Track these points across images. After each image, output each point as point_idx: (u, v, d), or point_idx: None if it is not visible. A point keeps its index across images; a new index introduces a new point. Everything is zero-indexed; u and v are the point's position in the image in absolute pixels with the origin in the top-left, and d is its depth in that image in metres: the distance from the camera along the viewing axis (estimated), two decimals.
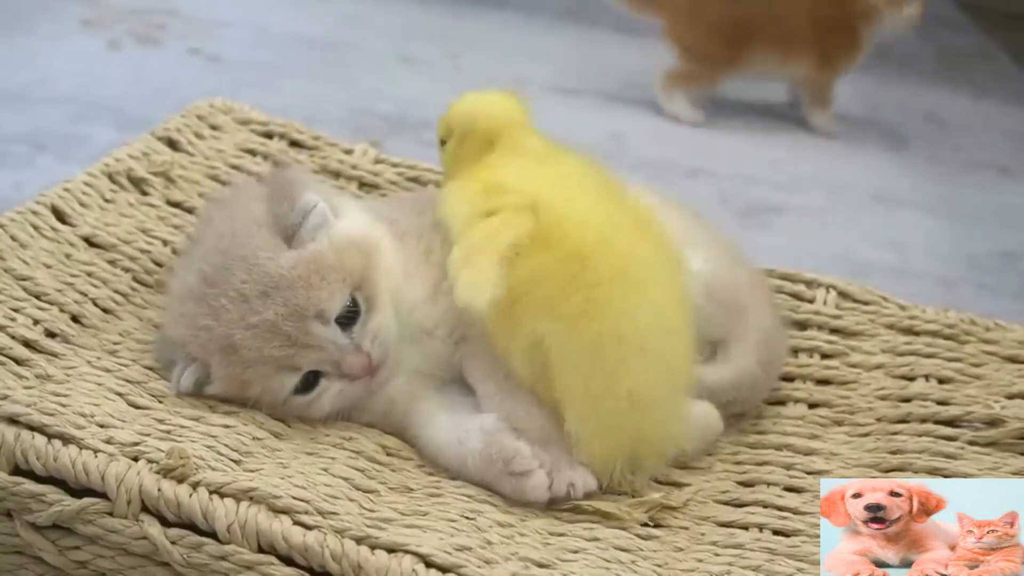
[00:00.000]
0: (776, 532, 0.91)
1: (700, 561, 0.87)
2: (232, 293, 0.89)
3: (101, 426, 0.84)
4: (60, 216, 1.07)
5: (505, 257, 0.89)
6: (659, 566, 0.86)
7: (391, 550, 0.78)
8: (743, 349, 1.04)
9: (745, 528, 0.92)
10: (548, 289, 0.89)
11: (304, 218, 0.92)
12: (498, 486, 0.89)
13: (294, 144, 1.29)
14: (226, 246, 0.91)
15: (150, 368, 0.95)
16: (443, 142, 1.03)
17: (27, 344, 0.92)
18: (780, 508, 0.94)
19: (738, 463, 1.01)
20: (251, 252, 0.90)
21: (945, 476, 0.97)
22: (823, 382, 1.11)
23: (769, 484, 0.98)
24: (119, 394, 0.90)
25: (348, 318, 0.91)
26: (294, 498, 0.80)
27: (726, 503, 0.95)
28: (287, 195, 0.93)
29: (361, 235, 0.95)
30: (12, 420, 0.82)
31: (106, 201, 1.11)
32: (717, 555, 0.88)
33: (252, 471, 0.84)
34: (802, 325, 1.15)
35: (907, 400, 1.07)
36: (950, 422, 1.03)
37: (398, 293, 0.95)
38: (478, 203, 0.94)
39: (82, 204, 1.09)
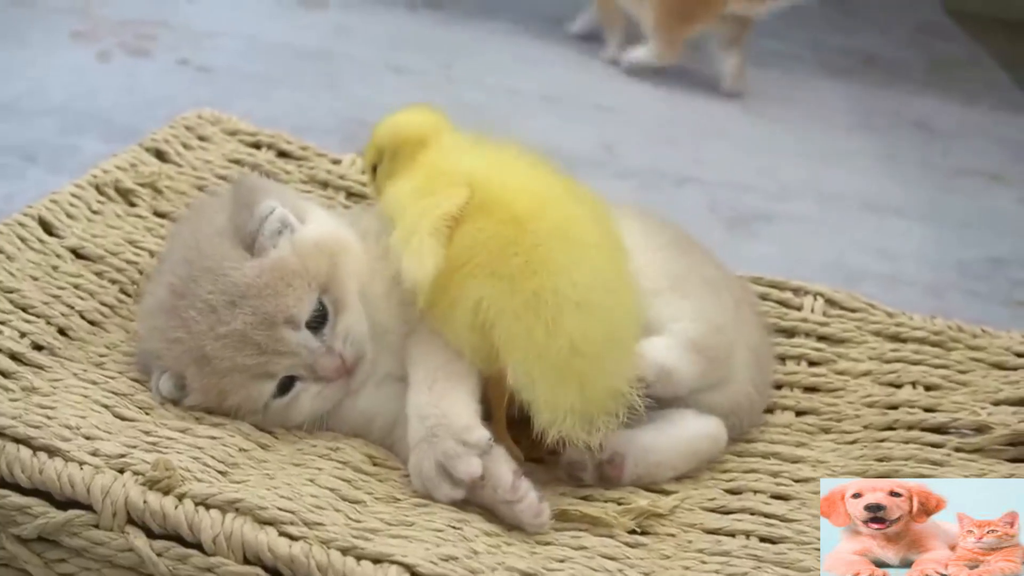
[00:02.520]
0: (763, 539, 0.92)
1: (687, 569, 0.87)
2: (200, 304, 0.90)
3: (87, 438, 0.84)
4: (47, 228, 1.07)
5: (440, 229, 0.90)
6: (646, 574, 0.86)
7: (377, 560, 0.78)
8: (737, 372, 1.04)
9: (732, 535, 0.92)
10: (488, 253, 0.90)
11: (262, 224, 0.92)
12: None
13: (282, 154, 1.30)
14: (192, 257, 0.92)
15: (137, 380, 0.95)
16: (374, 168, 1.03)
17: (13, 357, 0.92)
18: (767, 515, 0.94)
19: (725, 471, 1.01)
20: (216, 263, 0.91)
21: None
22: (810, 389, 1.11)
23: (756, 491, 0.98)
24: (105, 406, 0.90)
25: (318, 321, 0.92)
26: (280, 509, 0.80)
27: (713, 510, 0.96)
28: (247, 203, 0.94)
29: (325, 238, 0.95)
30: None
31: (93, 212, 1.12)
32: (704, 563, 0.88)
33: (238, 482, 0.84)
34: (789, 333, 1.16)
35: (894, 407, 1.07)
36: (937, 429, 1.04)
37: (365, 292, 0.95)
38: (418, 188, 0.95)
39: (69, 215, 1.09)
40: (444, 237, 0.91)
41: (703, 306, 1.02)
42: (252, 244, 0.92)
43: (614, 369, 0.89)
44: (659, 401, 0.96)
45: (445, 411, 0.89)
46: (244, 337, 0.89)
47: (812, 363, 1.13)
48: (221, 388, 0.90)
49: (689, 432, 1.00)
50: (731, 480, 0.99)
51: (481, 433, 0.88)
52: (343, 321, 0.93)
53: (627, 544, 0.90)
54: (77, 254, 1.06)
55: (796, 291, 1.19)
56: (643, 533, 0.92)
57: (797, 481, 0.99)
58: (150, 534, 0.79)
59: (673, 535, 0.92)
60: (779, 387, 1.11)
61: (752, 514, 0.95)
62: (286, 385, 0.92)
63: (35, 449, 0.81)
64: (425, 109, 1.04)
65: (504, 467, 0.89)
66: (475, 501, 0.89)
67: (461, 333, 0.91)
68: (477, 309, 0.89)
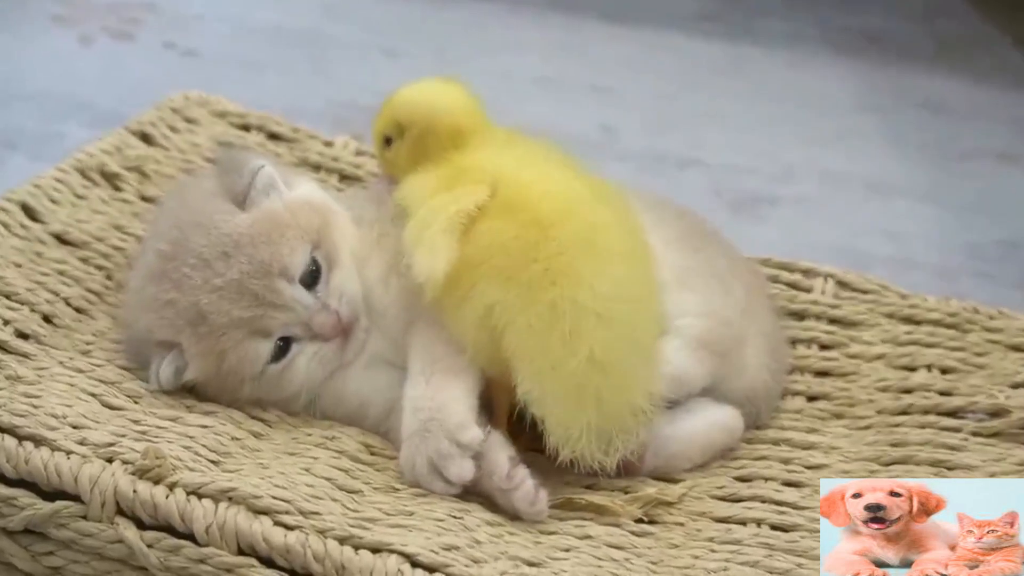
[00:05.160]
0: (774, 527, 0.91)
1: (696, 558, 0.87)
2: (192, 260, 0.90)
3: (74, 427, 0.83)
4: (30, 213, 1.06)
5: (455, 226, 0.89)
6: (654, 563, 0.86)
7: (376, 550, 0.77)
8: (750, 360, 1.03)
9: (743, 524, 0.92)
10: (507, 256, 0.88)
11: (252, 179, 0.94)
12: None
13: (272, 136, 1.29)
14: (181, 218, 0.93)
15: (125, 368, 0.94)
16: (387, 140, 1.00)
17: None
18: (778, 503, 0.94)
19: (735, 458, 1.00)
20: (206, 218, 0.92)
21: (948, 468, 0.97)
22: (822, 374, 1.11)
23: (767, 479, 0.98)
24: (93, 395, 0.89)
25: (311, 278, 0.93)
26: (275, 498, 0.79)
27: (722, 498, 0.95)
28: (235, 166, 0.95)
29: (315, 198, 0.97)
30: None
31: (78, 197, 1.11)
32: (714, 551, 0.88)
33: (231, 472, 0.83)
34: (800, 315, 1.15)
35: (908, 391, 1.07)
36: (953, 413, 1.04)
37: (361, 274, 0.96)
38: (439, 183, 0.93)
39: (53, 200, 1.08)
40: (458, 234, 0.89)
41: (709, 299, 1.01)
42: (243, 201, 0.93)
43: (635, 383, 0.88)
44: (672, 402, 0.96)
45: (440, 406, 0.89)
46: (240, 287, 0.89)
47: (823, 347, 1.13)
48: (219, 348, 0.90)
49: (707, 423, 1.00)
50: (741, 468, 0.99)
51: (475, 433, 0.87)
52: (336, 277, 0.93)
53: (634, 533, 0.89)
54: (61, 240, 1.06)
55: (806, 273, 1.18)
56: (650, 522, 0.91)
57: (809, 468, 0.99)
58: (140, 525, 0.79)
59: (682, 524, 0.92)
60: (789, 372, 1.10)
61: (763, 502, 0.94)
62: (282, 349, 0.92)
63: (20, 439, 0.81)
64: (460, 92, 1.00)
65: (501, 454, 0.88)
66: (471, 489, 0.88)
67: (468, 331, 0.90)
68: (489, 314, 0.88)
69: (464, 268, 0.89)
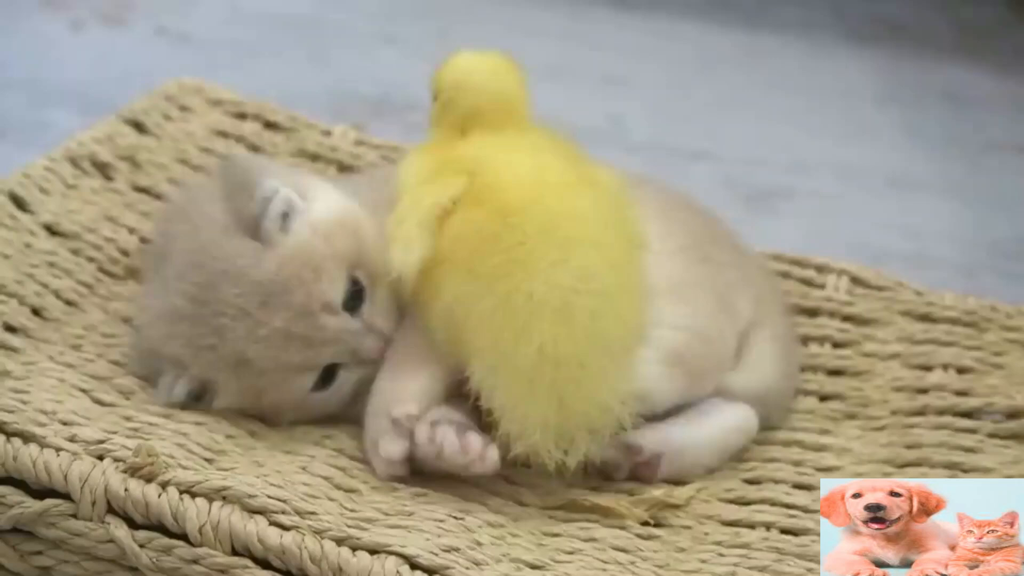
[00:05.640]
0: (784, 531, 0.92)
1: (704, 562, 0.88)
2: (230, 311, 0.88)
3: (64, 423, 0.84)
4: (19, 203, 1.07)
5: (429, 219, 0.89)
6: (660, 567, 0.86)
7: (373, 551, 0.78)
8: (764, 356, 1.04)
9: (751, 527, 0.92)
10: (469, 248, 0.88)
11: (265, 208, 0.91)
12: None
13: (269, 125, 1.29)
14: (201, 261, 0.90)
15: (116, 363, 0.95)
16: (435, 97, 1.00)
17: None
18: (788, 506, 0.94)
19: (744, 460, 1.01)
20: (230, 264, 0.89)
21: (963, 471, 0.97)
22: (835, 372, 1.11)
23: (777, 481, 0.98)
24: (83, 390, 0.90)
25: (354, 300, 0.92)
26: (270, 497, 0.80)
27: (731, 501, 0.96)
28: (243, 186, 0.92)
29: (343, 213, 0.95)
30: None
31: (68, 187, 1.11)
32: (722, 555, 0.88)
33: (226, 470, 0.84)
34: (813, 312, 1.15)
35: (924, 391, 1.07)
36: (969, 414, 1.04)
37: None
38: (429, 171, 0.94)
39: (43, 190, 1.09)
40: (433, 228, 0.90)
41: (696, 313, 0.99)
42: (257, 230, 0.91)
43: (601, 381, 0.87)
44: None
45: (391, 387, 0.90)
46: (287, 334, 0.89)
47: (836, 344, 1.13)
48: (259, 387, 0.90)
49: (723, 427, 1.00)
50: (751, 470, 1.00)
51: (405, 409, 0.89)
52: (380, 293, 0.93)
53: (640, 536, 0.90)
54: (51, 231, 1.06)
55: (819, 268, 1.18)
56: (657, 525, 0.92)
57: (820, 470, 0.99)
58: (132, 524, 0.79)
59: (689, 527, 0.92)
60: (801, 371, 1.10)
61: (773, 505, 0.95)
62: (326, 377, 0.92)
63: (8, 435, 0.81)
64: (506, 75, 1.01)
65: (449, 431, 0.89)
66: (430, 469, 0.90)
67: (436, 329, 0.91)
68: (450, 310, 0.89)
69: (435, 262, 0.89)
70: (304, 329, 0.89)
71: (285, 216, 0.91)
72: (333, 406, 0.94)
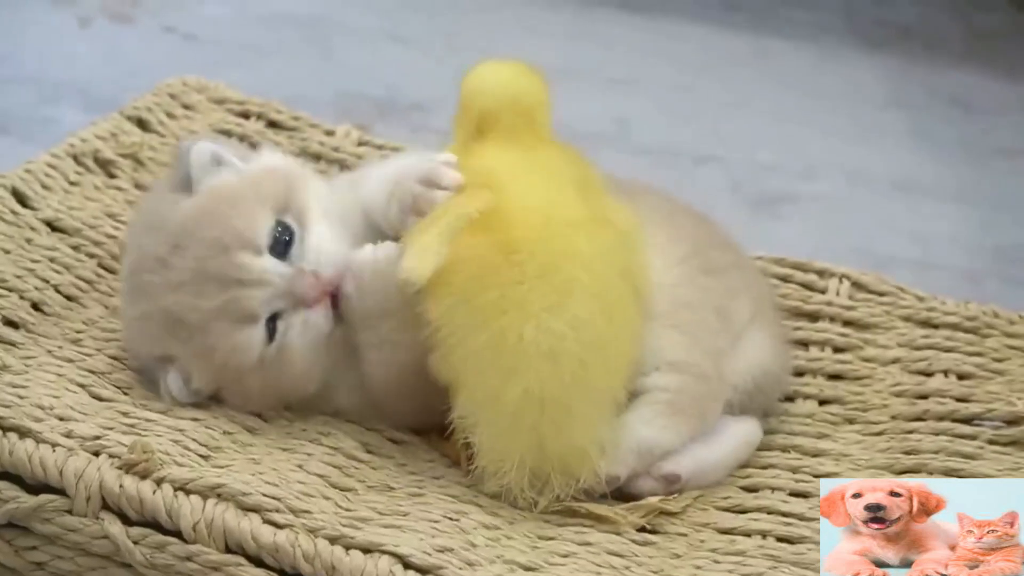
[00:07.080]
0: (780, 539, 0.92)
1: (698, 568, 0.88)
2: (150, 263, 0.89)
3: (61, 419, 0.84)
4: (21, 199, 1.07)
5: (451, 230, 0.88)
6: (654, 573, 0.86)
7: (367, 550, 0.78)
8: (757, 341, 1.04)
9: (747, 535, 0.92)
10: (467, 276, 0.88)
11: (187, 159, 0.92)
12: None
13: (272, 124, 1.30)
14: (137, 227, 0.94)
15: (115, 358, 0.95)
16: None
17: None
18: (785, 514, 0.94)
19: (741, 467, 1.01)
20: (156, 217, 0.91)
21: (962, 477, 0.97)
22: (835, 377, 1.11)
23: (774, 489, 0.98)
24: (81, 385, 0.90)
25: (284, 246, 0.90)
26: (264, 495, 0.80)
27: (727, 509, 0.96)
28: (178, 154, 0.94)
29: (277, 164, 0.96)
30: None
31: (71, 184, 1.12)
32: (717, 562, 0.88)
33: (221, 467, 0.84)
34: (813, 317, 1.15)
35: (924, 397, 1.07)
36: (969, 420, 1.04)
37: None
38: None
39: (45, 186, 1.10)
40: (451, 239, 0.89)
41: (694, 343, 0.98)
42: (187, 186, 0.91)
43: (582, 427, 0.88)
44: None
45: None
46: (200, 275, 0.87)
47: (837, 349, 1.13)
48: (206, 347, 0.88)
49: (735, 444, 1.00)
50: (747, 477, 1.00)
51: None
52: (311, 238, 0.91)
53: (635, 542, 0.90)
54: (53, 227, 1.07)
55: (820, 273, 1.18)
56: (652, 531, 0.92)
57: (818, 477, 0.98)
58: (126, 520, 0.80)
59: (684, 534, 0.92)
60: (801, 374, 1.10)
61: (769, 513, 0.95)
62: (272, 329, 0.89)
63: (5, 430, 0.82)
64: (525, 83, 1.01)
65: None
66: None
67: (424, 342, 0.90)
68: (440, 334, 0.88)
69: (434, 275, 0.88)
70: (219, 267, 0.87)
71: (211, 167, 0.92)
72: (295, 366, 0.90)
